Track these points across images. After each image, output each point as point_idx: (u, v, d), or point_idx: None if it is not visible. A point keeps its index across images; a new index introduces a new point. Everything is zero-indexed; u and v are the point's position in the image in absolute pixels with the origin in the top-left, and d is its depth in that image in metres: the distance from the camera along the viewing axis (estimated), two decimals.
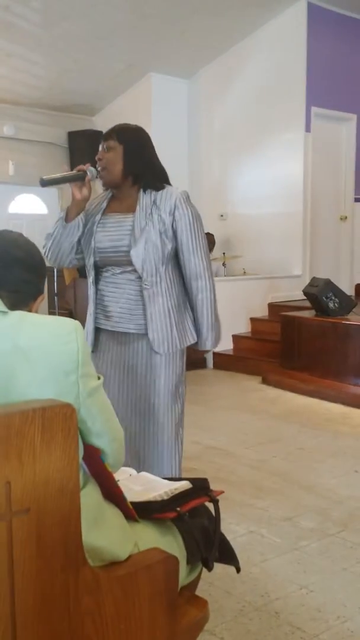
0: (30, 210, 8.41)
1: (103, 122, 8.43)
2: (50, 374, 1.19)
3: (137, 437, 2.46)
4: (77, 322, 1.26)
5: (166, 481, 1.58)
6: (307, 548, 2.57)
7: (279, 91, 7.03)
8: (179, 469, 2.52)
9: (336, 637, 1.99)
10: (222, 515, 1.57)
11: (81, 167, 2.43)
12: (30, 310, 1.34)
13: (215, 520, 1.54)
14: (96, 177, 2.46)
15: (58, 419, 1.10)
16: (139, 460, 2.45)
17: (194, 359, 6.01)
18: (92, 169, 2.43)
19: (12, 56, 6.82)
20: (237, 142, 7.48)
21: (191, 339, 2.48)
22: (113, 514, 1.34)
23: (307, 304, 5.80)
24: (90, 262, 2.44)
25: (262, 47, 7.19)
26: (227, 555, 1.58)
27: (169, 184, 2.46)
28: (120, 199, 2.44)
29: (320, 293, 5.39)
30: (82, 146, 8.09)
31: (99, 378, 1.30)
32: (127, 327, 2.41)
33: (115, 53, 7.10)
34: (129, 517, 1.40)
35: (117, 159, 2.36)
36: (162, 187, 2.41)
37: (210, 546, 1.50)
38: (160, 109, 7.80)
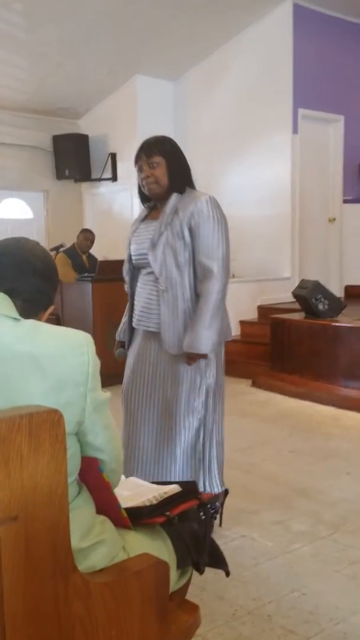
0: (16, 214, 8.37)
1: (88, 126, 8.43)
2: (59, 384, 1.20)
3: (155, 434, 2.57)
4: (88, 335, 1.28)
5: (155, 485, 1.57)
6: (299, 551, 2.56)
7: (265, 93, 7.05)
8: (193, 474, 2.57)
9: None
10: (214, 520, 1.56)
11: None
12: (39, 320, 1.34)
13: (206, 522, 1.53)
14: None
15: (45, 425, 1.10)
16: (155, 458, 2.56)
17: None
18: (121, 350, 2.75)
19: None
20: (224, 144, 7.48)
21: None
22: (103, 527, 1.33)
23: (297, 306, 5.81)
24: (128, 266, 2.68)
25: (248, 48, 7.20)
26: (216, 559, 1.58)
27: (193, 187, 2.60)
28: (159, 208, 2.58)
29: (309, 295, 5.39)
30: (67, 150, 8.08)
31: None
32: (147, 325, 2.57)
33: (100, 56, 7.09)
34: (123, 526, 1.39)
35: (163, 173, 2.51)
36: (187, 191, 2.54)
37: (200, 550, 1.49)
38: (146, 111, 7.79)
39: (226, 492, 2.70)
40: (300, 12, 6.85)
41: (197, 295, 2.50)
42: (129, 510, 1.42)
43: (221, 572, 1.64)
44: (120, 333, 2.79)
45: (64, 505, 1.14)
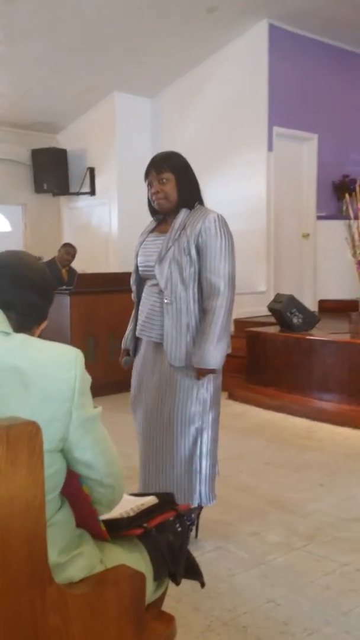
0: None
1: (66, 140, 8.46)
2: (45, 400, 1.20)
3: (155, 443, 2.63)
4: (78, 351, 1.27)
5: (132, 497, 1.59)
6: (273, 562, 2.59)
7: (241, 110, 7.16)
8: (193, 487, 2.62)
9: None
10: (190, 532, 1.58)
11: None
12: (32, 334, 1.35)
13: (182, 534, 1.56)
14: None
15: (23, 437, 1.10)
16: (157, 468, 2.63)
17: None
18: (127, 358, 2.83)
19: None
20: (201, 161, 7.51)
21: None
22: (82, 541, 1.34)
23: (272, 319, 5.87)
24: (135, 277, 2.76)
25: (224, 67, 7.32)
26: (192, 571, 1.59)
27: (202, 202, 2.66)
28: (168, 222, 2.65)
29: (284, 309, 5.47)
30: (46, 164, 8.10)
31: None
32: (149, 335, 2.64)
33: (79, 72, 7.14)
34: (101, 538, 1.40)
35: (173, 188, 2.57)
36: (197, 207, 2.61)
37: (176, 561, 1.51)
38: (123, 127, 7.86)
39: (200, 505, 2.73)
40: (275, 32, 6.99)
41: (200, 310, 2.56)
42: (107, 522, 1.43)
43: (197, 584, 1.66)
44: (126, 341, 2.86)
45: (41, 517, 1.14)
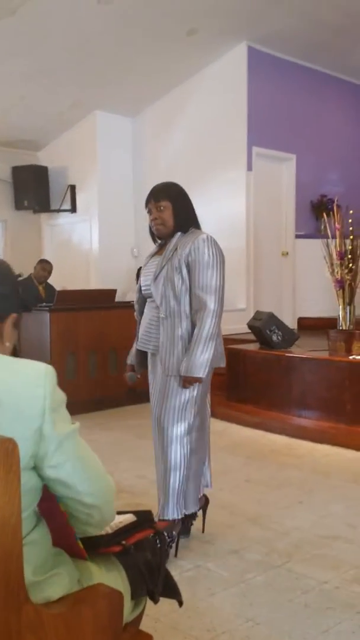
0: None
1: (48, 158, 8.49)
2: (15, 418, 1.19)
3: (156, 450, 2.85)
4: (49, 367, 1.25)
5: None
6: (253, 580, 2.59)
7: (221, 131, 7.25)
8: (181, 495, 2.78)
9: None
10: (169, 550, 1.57)
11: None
12: (1, 331, 1.33)
13: (160, 552, 1.55)
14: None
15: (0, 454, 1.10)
16: (160, 472, 2.82)
17: (140, 391, 6.01)
18: (132, 374, 3.05)
19: None
20: (181, 180, 7.49)
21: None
22: (59, 560, 1.32)
23: (252, 337, 5.91)
24: (138, 296, 3.01)
25: (204, 88, 7.43)
26: (170, 589, 1.58)
27: (198, 227, 2.88)
28: (166, 245, 2.85)
29: (264, 326, 5.50)
30: (26, 181, 8.11)
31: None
32: (147, 347, 2.87)
33: (61, 91, 7.19)
34: (78, 556, 1.38)
35: (169, 215, 2.80)
36: (191, 231, 2.82)
37: (154, 580, 1.50)
38: (105, 146, 7.92)
39: (182, 520, 2.79)
40: (254, 54, 7.12)
41: (193, 323, 2.76)
42: (85, 539, 1.42)
43: (175, 603, 1.65)
44: (130, 357, 3.08)
45: (18, 535, 1.13)
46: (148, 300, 2.92)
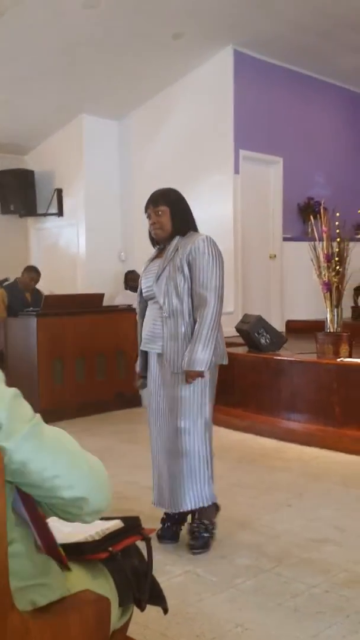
0: None
1: (34, 161, 8.45)
2: None
3: (166, 451, 2.94)
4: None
5: (97, 521, 1.56)
6: (242, 585, 2.57)
7: (208, 134, 7.26)
8: (203, 490, 2.92)
9: None
10: (158, 556, 1.56)
11: None
12: None
13: (148, 558, 1.53)
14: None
15: None
16: (169, 474, 2.92)
17: (129, 396, 5.99)
18: (142, 381, 3.10)
19: None
20: (169, 183, 7.50)
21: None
22: (47, 567, 1.30)
23: (240, 340, 5.90)
24: (139, 299, 3.08)
25: (191, 91, 7.43)
26: (155, 596, 1.56)
27: (196, 230, 2.99)
28: (165, 248, 2.96)
29: (252, 329, 5.50)
30: (13, 185, 8.06)
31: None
32: (152, 347, 2.94)
33: (47, 94, 7.17)
34: (59, 562, 1.36)
35: (167, 219, 2.91)
36: (189, 234, 2.92)
37: (141, 586, 1.48)
38: (91, 149, 7.90)
39: (217, 507, 3.05)
40: (240, 58, 7.14)
41: (195, 321, 2.85)
42: (71, 545, 1.40)
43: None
44: (137, 365, 3.14)
45: (3, 543, 1.12)
46: (150, 302, 2.99)
